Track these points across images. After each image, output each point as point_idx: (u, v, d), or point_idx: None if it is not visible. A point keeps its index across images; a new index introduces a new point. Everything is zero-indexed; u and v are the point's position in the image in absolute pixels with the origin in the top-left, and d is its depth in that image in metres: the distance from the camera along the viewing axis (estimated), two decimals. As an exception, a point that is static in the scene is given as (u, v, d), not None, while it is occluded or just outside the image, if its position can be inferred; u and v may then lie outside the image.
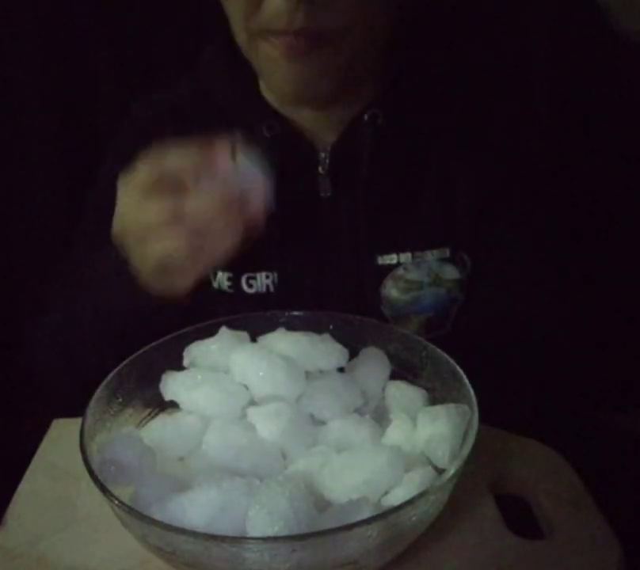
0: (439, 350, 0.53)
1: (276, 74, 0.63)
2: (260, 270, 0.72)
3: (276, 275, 0.72)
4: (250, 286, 0.73)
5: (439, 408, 0.49)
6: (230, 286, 0.72)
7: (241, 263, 0.65)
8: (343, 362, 0.56)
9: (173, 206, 0.51)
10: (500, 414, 0.54)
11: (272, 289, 0.72)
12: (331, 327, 0.59)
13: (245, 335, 0.58)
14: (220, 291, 0.72)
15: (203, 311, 0.62)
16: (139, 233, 0.53)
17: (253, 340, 0.58)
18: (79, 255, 0.75)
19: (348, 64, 0.63)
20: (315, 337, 0.56)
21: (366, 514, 0.40)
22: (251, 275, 0.71)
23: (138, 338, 0.56)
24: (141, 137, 0.75)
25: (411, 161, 0.72)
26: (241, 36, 0.64)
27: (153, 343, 0.55)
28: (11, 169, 1.00)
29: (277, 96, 0.69)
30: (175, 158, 0.51)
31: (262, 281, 0.73)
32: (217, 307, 0.68)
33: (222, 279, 0.72)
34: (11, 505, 0.54)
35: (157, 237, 0.52)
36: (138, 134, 0.75)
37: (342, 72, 0.63)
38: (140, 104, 0.78)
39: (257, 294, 0.73)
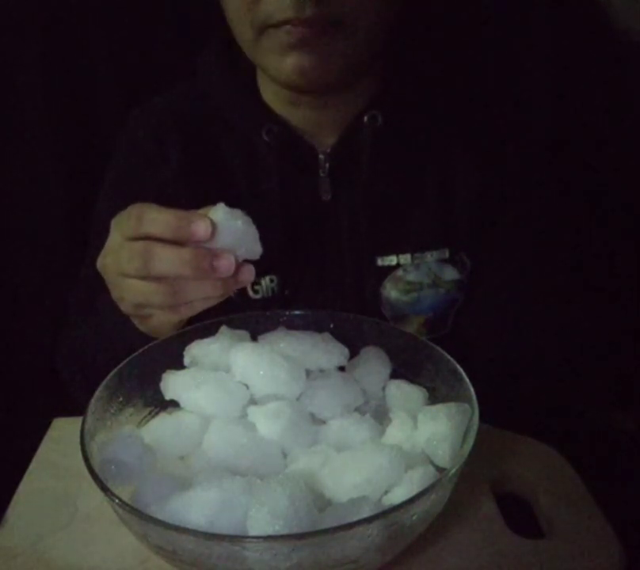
0: (439, 349, 0.53)
1: (285, 65, 0.61)
2: (263, 274, 0.71)
3: (277, 277, 0.72)
4: (256, 292, 0.73)
5: (439, 407, 0.49)
6: (236, 294, 0.71)
7: None
8: (343, 361, 0.56)
9: (146, 252, 0.49)
10: (500, 414, 0.54)
11: (276, 291, 0.72)
12: (331, 326, 0.59)
13: (245, 334, 0.58)
14: (227, 300, 0.72)
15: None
16: (117, 273, 0.52)
17: (254, 339, 0.58)
18: (89, 273, 0.75)
19: (356, 51, 0.62)
20: (316, 336, 0.57)
21: (366, 513, 0.40)
22: (255, 280, 0.71)
23: None
24: (139, 151, 0.75)
25: (410, 163, 0.72)
26: (244, 33, 0.63)
27: (153, 343, 0.55)
28: (11, 172, 1.00)
29: (284, 87, 0.67)
30: (153, 224, 0.48)
31: (267, 285, 0.72)
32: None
33: None
34: (11, 504, 0.55)
35: (130, 281, 0.51)
36: (136, 149, 0.75)
37: (350, 59, 0.62)
38: (139, 108, 0.77)
39: (264, 299, 0.73)
